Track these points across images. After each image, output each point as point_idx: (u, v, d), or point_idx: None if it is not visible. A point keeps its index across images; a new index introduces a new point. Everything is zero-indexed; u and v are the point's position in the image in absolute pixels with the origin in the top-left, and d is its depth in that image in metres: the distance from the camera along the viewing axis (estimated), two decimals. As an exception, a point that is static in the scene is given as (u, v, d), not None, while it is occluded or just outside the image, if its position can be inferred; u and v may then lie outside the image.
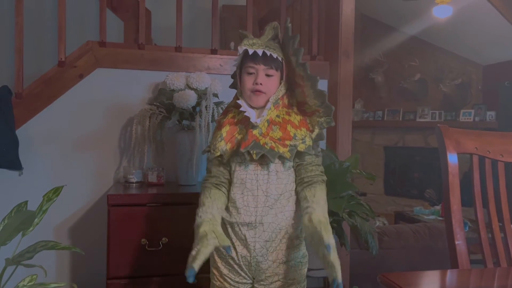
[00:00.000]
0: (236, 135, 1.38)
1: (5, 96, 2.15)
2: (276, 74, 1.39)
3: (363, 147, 6.08)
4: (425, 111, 5.90)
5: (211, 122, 2.13)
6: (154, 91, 2.34)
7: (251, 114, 1.37)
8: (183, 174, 2.20)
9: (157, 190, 2.09)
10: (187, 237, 1.93)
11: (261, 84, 1.36)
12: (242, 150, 1.32)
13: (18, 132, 2.16)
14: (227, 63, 2.42)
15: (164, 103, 2.18)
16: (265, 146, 1.32)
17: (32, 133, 2.20)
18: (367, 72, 6.07)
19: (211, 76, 2.26)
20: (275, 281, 1.41)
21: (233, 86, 1.54)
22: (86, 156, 2.26)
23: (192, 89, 2.15)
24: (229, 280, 1.43)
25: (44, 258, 2.17)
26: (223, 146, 1.37)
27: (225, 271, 1.44)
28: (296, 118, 1.38)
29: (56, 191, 1.24)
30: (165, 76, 2.22)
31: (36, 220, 1.18)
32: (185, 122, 2.19)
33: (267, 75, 1.37)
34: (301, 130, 1.37)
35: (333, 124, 1.41)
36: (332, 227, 2.19)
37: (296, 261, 1.43)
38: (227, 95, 2.32)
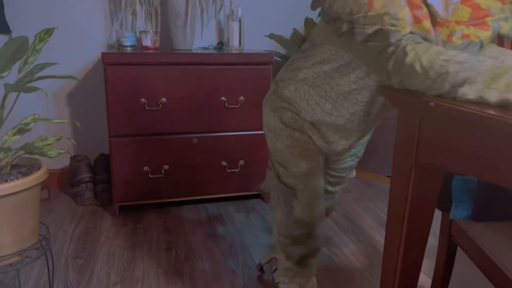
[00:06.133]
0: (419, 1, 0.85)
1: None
2: None
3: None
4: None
5: (205, -21, 2.01)
6: None
7: (438, 3, 0.87)
8: (178, 38, 2.13)
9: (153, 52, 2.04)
10: (185, 98, 1.96)
11: None
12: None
13: (1, -8, 2.04)
14: None
15: (153, -41, 2.04)
16: (454, 40, 0.88)
17: (16, -5, 2.08)
18: None
19: None
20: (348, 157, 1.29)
21: None
22: (74, 20, 2.17)
23: None
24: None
25: (46, 111, 2.20)
26: (408, 15, 0.83)
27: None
28: None
29: (48, 31, 1.19)
30: None
31: (30, 58, 1.15)
32: (177, -20, 2.06)
33: None
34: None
35: None
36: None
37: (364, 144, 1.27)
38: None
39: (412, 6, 0.84)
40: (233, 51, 2.16)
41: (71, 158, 2.19)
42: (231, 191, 2.11)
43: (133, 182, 1.97)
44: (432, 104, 0.74)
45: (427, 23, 0.85)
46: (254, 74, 2.03)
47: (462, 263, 1.58)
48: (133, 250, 1.72)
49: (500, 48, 0.96)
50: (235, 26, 2.23)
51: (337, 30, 0.89)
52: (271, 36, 2.25)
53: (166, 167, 1.99)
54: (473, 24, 0.88)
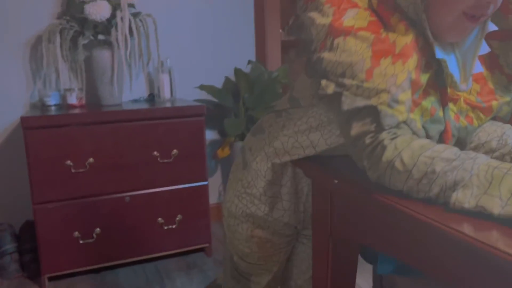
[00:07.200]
0: (421, 80, 0.72)
1: None
2: None
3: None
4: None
5: (130, 36, 1.99)
6: (63, 4, 2.12)
7: (456, 71, 0.75)
8: (105, 94, 2.08)
9: (79, 111, 1.97)
10: (115, 156, 1.89)
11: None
12: (449, 143, 0.76)
13: None
14: (142, -30, 2.22)
15: (75, 17, 1.99)
16: (460, 121, 0.79)
17: None
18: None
19: (126, -15, 2.07)
20: None
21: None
22: (-6, 81, 2.06)
23: (104, -1, 1.97)
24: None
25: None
26: (407, 100, 0.69)
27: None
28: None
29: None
30: (73, -14, 2.01)
31: None
32: (100, 37, 2.03)
33: None
34: (493, 73, 0.82)
35: None
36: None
37: None
38: (144, 5, 2.16)
39: (414, 86, 0.70)
40: (164, 102, 2.13)
41: (-6, 227, 2.03)
42: (170, 249, 2.04)
43: (63, 249, 1.85)
44: (336, 181, 0.75)
45: (428, 102, 0.73)
46: (186, 126, 2.00)
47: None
48: (62, 327, 1.59)
49: (498, 123, 0.86)
50: (165, 77, 2.22)
51: (321, 90, 0.71)
52: (202, 87, 2.25)
53: (97, 230, 1.89)
54: (479, 108, 0.79)
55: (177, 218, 2.02)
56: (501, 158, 0.81)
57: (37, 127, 1.76)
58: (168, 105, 2.07)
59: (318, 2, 0.73)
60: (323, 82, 0.70)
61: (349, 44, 0.68)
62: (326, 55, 0.70)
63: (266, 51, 2.53)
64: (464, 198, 0.57)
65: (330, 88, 0.69)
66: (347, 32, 0.69)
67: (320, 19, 0.71)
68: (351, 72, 0.67)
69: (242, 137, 2.34)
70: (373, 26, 0.70)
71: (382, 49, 0.68)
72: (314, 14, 0.72)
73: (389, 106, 0.66)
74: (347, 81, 0.68)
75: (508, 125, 0.85)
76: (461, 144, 0.80)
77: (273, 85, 2.30)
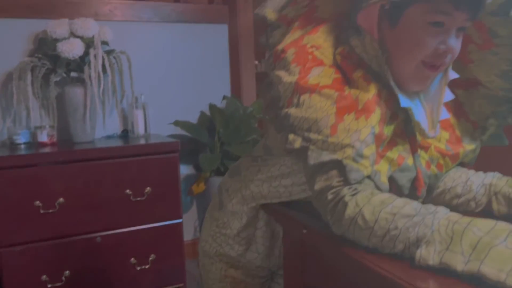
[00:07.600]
0: (385, 132, 0.74)
1: None
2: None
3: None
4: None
5: (103, 73, 1.98)
6: (35, 42, 2.10)
7: (423, 119, 0.76)
8: (77, 131, 2.05)
9: (49, 149, 1.93)
10: (85, 195, 1.84)
11: (453, 48, 0.72)
12: (419, 195, 0.78)
13: None
14: (116, 8, 2.24)
15: (47, 54, 1.98)
16: (431, 169, 0.81)
17: None
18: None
19: (100, 23, 2.08)
20: None
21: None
22: (-40, 119, 2.00)
23: (77, 37, 1.96)
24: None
25: None
26: (372, 155, 0.70)
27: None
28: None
29: None
30: (45, 24, 2.00)
31: None
32: (73, 74, 2.02)
33: (458, 30, 0.72)
34: (459, 120, 0.85)
35: None
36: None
37: None
38: (118, 42, 2.17)
39: (378, 140, 0.71)
40: (138, 138, 2.11)
41: (-45, 272, 1.92)
42: (143, 290, 1.97)
43: (29, 294, 1.77)
44: (305, 231, 0.74)
45: (394, 152, 0.75)
46: (160, 163, 1.98)
47: None
48: None
49: (462, 168, 0.88)
50: (139, 113, 2.21)
51: (288, 144, 0.72)
52: (176, 123, 2.24)
53: (67, 273, 1.82)
54: (449, 155, 0.82)
55: (151, 258, 1.97)
56: (466, 203, 0.82)
57: (4, 167, 1.71)
58: (142, 141, 2.05)
59: (285, 61, 0.75)
60: (291, 136, 0.72)
61: (314, 101, 0.70)
62: (293, 111, 0.72)
63: (241, 85, 2.56)
64: (428, 255, 0.57)
65: (297, 143, 0.71)
66: (312, 89, 0.71)
67: (287, 77, 0.73)
68: (316, 127, 0.69)
69: (217, 172, 2.32)
70: (337, 84, 0.72)
71: (345, 105, 0.70)
72: (281, 73, 0.75)
73: (354, 160, 0.67)
74: (313, 136, 0.69)
75: (472, 171, 0.87)
76: (429, 190, 0.82)
77: (248, 120, 2.32)
